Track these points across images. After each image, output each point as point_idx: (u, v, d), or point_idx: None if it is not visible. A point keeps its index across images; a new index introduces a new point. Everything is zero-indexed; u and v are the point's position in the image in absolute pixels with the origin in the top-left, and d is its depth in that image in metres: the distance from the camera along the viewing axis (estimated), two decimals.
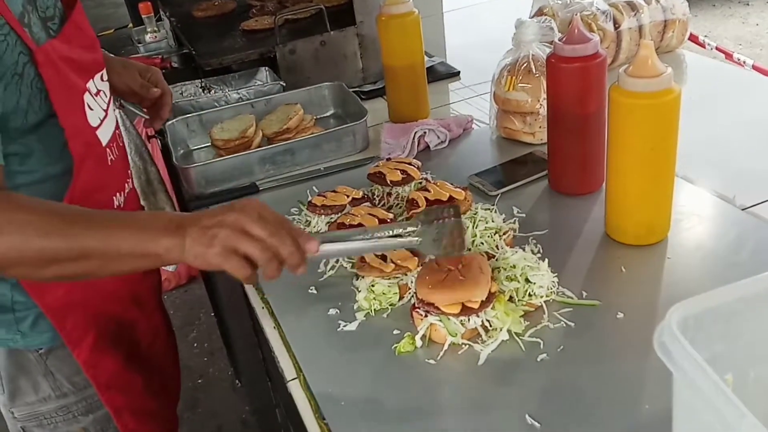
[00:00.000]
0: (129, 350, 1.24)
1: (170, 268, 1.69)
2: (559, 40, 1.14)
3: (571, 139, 1.19)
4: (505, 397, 0.84)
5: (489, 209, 1.14)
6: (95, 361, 1.16)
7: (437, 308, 0.91)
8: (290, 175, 1.44)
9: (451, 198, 1.13)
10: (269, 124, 1.55)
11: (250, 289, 1.14)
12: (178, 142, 1.58)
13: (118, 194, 1.18)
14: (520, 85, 1.37)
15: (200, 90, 1.79)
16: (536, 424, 0.80)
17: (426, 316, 0.93)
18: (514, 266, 0.98)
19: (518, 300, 0.96)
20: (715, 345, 0.57)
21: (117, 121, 1.22)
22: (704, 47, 2.84)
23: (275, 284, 1.11)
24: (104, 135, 1.10)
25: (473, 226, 1.08)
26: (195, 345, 2.85)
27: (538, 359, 0.89)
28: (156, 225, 0.84)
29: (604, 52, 1.14)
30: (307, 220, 1.24)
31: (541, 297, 0.96)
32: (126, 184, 1.22)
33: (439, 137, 1.46)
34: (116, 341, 1.20)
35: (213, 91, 1.78)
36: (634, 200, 1.05)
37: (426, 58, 1.60)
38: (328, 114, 1.70)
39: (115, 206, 1.17)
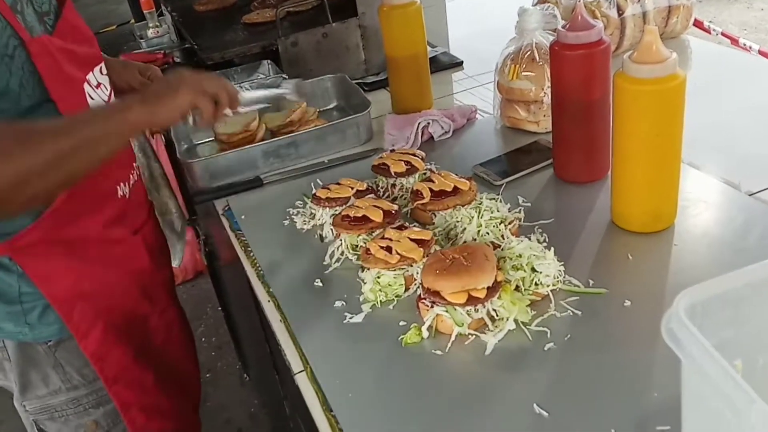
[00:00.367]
0: (140, 345, 1.24)
1: (175, 264, 1.68)
2: (563, 28, 1.13)
3: (575, 127, 1.18)
4: (512, 386, 0.84)
5: (494, 199, 1.13)
6: (103, 354, 1.16)
7: (443, 298, 0.91)
8: (294, 168, 1.44)
9: (455, 188, 1.12)
10: (272, 118, 1.55)
11: (256, 283, 1.14)
12: (181, 137, 1.58)
13: (122, 184, 1.18)
14: (523, 73, 1.36)
15: None
16: (544, 413, 0.79)
17: (432, 306, 0.93)
18: (520, 255, 0.98)
19: (524, 289, 0.96)
20: (723, 331, 0.57)
21: None
22: (709, 33, 2.82)
23: (281, 277, 1.12)
24: None
25: (478, 216, 1.08)
26: (203, 339, 2.86)
27: (546, 348, 0.88)
28: (115, 105, 0.98)
29: (608, 39, 1.13)
30: (311, 213, 1.24)
31: (548, 286, 0.96)
32: (131, 175, 1.23)
33: (443, 128, 1.46)
34: (126, 335, 1.20)
35: None
36: (640, 187, 1.04)
37: (429, 48, 1.59)
38: (331, 106, 1.70)
39: (120, 196, 1.18)
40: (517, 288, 0.96)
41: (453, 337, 0.91)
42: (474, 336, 0.92)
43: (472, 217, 1.08)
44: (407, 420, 0.82)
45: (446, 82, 1.76)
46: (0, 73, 0.93)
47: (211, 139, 1.59)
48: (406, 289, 1.02)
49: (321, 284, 1.08)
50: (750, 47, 2.68)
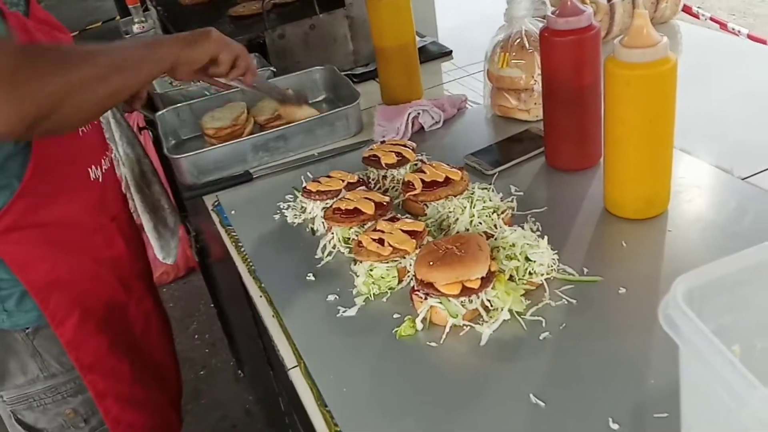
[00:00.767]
0: (116, 335, 1.24)
1: (169, 261, 1.67)
2: (552, 14, 1.12)
3: (567, 115, 1.17)
4: (508, 377, 0.84)
5: (486, 188, 1.12)
6: (79, 342, 1.16)
7: (437, 290, 0.90)
8: (284, 161, 1.42)
9: (447, 179, 1.11)
10: (261, 111, 1.53)
11: (248, 279, 1.12)
12: (169, 133, 1.56)
13: (93, 167, 1.19)
14: (513, 61, 1.35)
15: None
16: (541, 403, 0.79)
17: (426, 298, 0.92)
18: (514, 245, 0.97)
19: (518, 279, 0.95)
20: (720, 316, 0.56)
21: None
22: (698, 18, 2.82)
23: (273, 272, 1.11)
24: None
25: (471, 206, 1.07)
26: (196, 336, 2.85)
27: (541, 338, 0.88)
28: (149, 38, 1.10)
29: (598, 24, 1.12)
30: (302, 207, 1.23)
31: (542, 275, 0.95)
32: (103, 160, 1.23)
33: (433, 118, 1.44)
34: (103, 324, 1.20)
35: None
36: (632, 173, 1.03)
37: (417, 38, 1.58)
38: (320, 98, 1.68)
39: (92, 179, 1.18)
40: (511, 278, 0.95)
41: (447, 329, 0.91)
42: (468, 327, 0.91)
43: (465, 208, 1.07)
44: (403, 413, 0.82)
45: (435, 72, 1.74)
46: None
47: (199, 134, 1.57)
48: (400, 282, 1.01)
49: (313, 278, 1.07)
50: (739, 31, 2.68)
